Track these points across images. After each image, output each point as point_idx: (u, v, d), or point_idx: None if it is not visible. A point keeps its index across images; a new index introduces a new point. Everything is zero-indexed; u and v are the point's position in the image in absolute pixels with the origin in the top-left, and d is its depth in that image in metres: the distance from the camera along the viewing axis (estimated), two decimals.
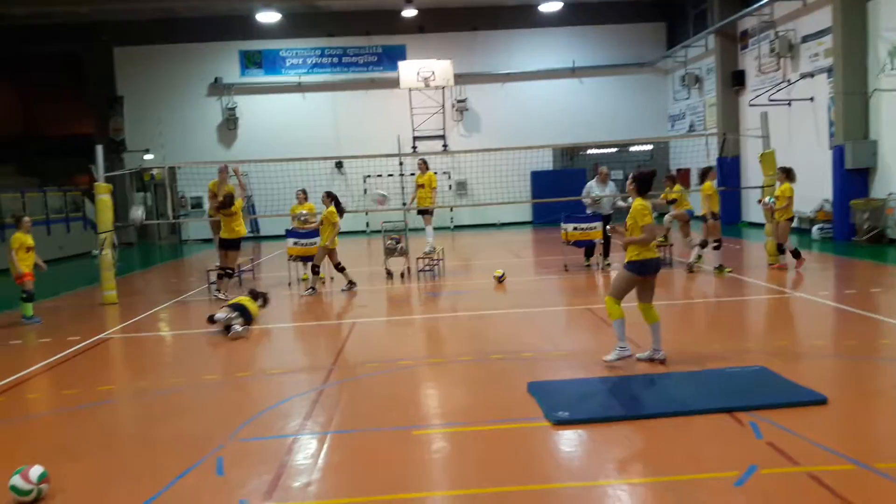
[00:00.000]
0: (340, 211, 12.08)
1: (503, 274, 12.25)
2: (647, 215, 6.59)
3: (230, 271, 12.26)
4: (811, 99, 17.51)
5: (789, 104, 18.19)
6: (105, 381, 7.62)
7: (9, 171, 26.02)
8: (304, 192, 14.09)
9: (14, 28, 24.84)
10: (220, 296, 11.69)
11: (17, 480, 4.35)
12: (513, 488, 4.34)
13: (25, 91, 31.30)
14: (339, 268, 12.23)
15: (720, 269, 12.07)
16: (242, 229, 12.04)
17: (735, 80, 21.28)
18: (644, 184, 6.78)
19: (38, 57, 28.28)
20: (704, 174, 12.44)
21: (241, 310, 9.21)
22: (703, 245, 12.38)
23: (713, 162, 20.57)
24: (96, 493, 4.56)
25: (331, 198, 12.17)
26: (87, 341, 9.22)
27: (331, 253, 12.07)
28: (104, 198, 12.33)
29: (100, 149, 12.83)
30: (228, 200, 11.83)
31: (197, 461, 4.90)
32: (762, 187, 13.01)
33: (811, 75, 17.38)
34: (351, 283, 12.13)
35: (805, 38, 17.70)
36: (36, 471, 4.40)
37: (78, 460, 5.11)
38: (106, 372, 8.16)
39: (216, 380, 7.23)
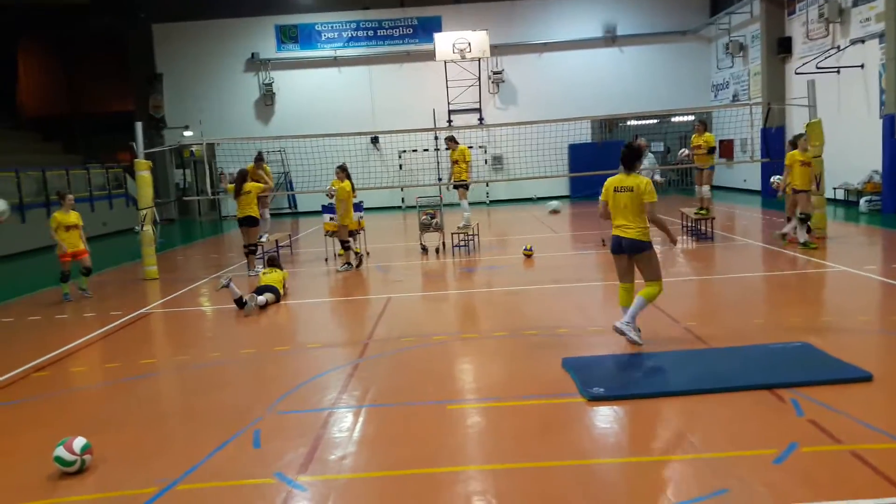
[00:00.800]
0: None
1: (532, 248, 12.16)
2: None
3: (253, 247, 12.44)
4: (861, 66, 16.87)
5: (838, 72, 17.56)
6: (146, 354, 7.78)
7: (55, 148, 26.61)
8: (341, 168, 14.06)
9: (57, 7, 25.25)
10: (251, 273, 11.88)
11: (61, 451, 4.47)
12: (548, 463, 4.32)
13: (69, 69, 31.91)
14: (345, 245, 12.16)
15: (805, 244, 11.42)
16: (254, 210, 12.18)
17: (781, 48, 20.60)
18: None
19: (80, 36, 28.77)
20: (794, 143, 11.89)
21: (272, 291, 9.42)
22: (804, 219, 11.58)
23: (757, 133, 20.03)
24: (137, 463, 4.66)
25: (345, 172, 12.15)
26: (129, 316, 9.42)
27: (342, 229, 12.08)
28: (144, 174, 12.52)
29: (139, 125, 13.00)
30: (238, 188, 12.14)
31: (234, 434, 4.97)
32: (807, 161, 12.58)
33: (862, 41, 16.73)
34: (347, 264, 12.04)
35: (856, 2, 17.02)
36: (79, 442, 4.51)
37: (120, 432, 5.24)
38: (147, 346, 8.34)
39: (254, 354, 7.33)
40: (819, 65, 17.74)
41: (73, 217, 10.75)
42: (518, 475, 4.20)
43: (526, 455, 4.45)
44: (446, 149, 14.86)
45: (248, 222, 12.16)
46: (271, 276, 9.86)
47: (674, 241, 6.85)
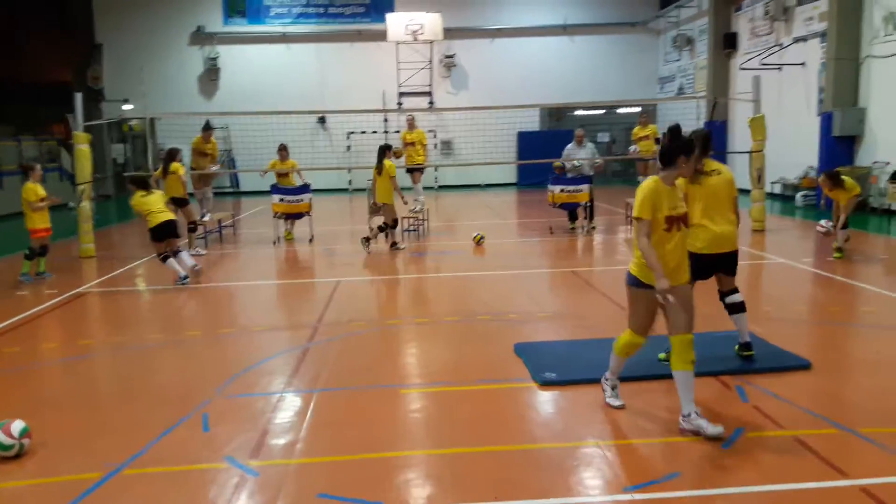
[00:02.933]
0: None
1: (482, 236, 12.18)
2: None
3: (192, 225, 12.21)
4: (802, 64, 17.40)
5: (780, 69, 18.07)
6: (85, 335, 7.51)
7: None
8: (285, 147, 13.78)
9: None
10: (193, 252, 11.66)
11: None
12: (500, 448, 4.34)
13: (2, 35, 30.33)
14: (383, 227, 11.93)
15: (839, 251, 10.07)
16: (179, 190, 11.91)
17: (727, 43, 21.07)
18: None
19: (15, 1, 27.36)
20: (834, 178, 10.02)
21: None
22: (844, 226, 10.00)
23: (702, 126, 20.50)
24: (80, 447, 4.49)
25: (391, 151, 12.16)
26: (65, 295, 9.07)
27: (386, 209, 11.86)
28: (83, 148, 12.05)
29: (79, 97, 12.46)
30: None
31: (182, 417, 4.85)
32: (750, 152, 12.96)
33: (804, 39, 17.25)
34: (395, 244, 11.89)
35: (801, 1, 17.51)
36: (18, 425, 4.32)
37: (59, 414, 5.05)
38: (86, 326, 8.05)
39: (199, 336, 7.14)
40: (763, 61, 18.22)
41: (42, 189, 10.04)
42: (471, 459, 4.21)
43: (479, 439, 4.46)
44: (409, 129, 14.75)
45: (177, 203, 11.79)
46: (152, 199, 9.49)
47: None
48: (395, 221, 11.97)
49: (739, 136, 19.20)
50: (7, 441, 4.27)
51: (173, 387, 5.58)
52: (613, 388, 4.88)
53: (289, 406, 5.09)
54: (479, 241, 12.08)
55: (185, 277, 9.37)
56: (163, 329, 7.45)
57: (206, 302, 8.83)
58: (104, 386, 5.89)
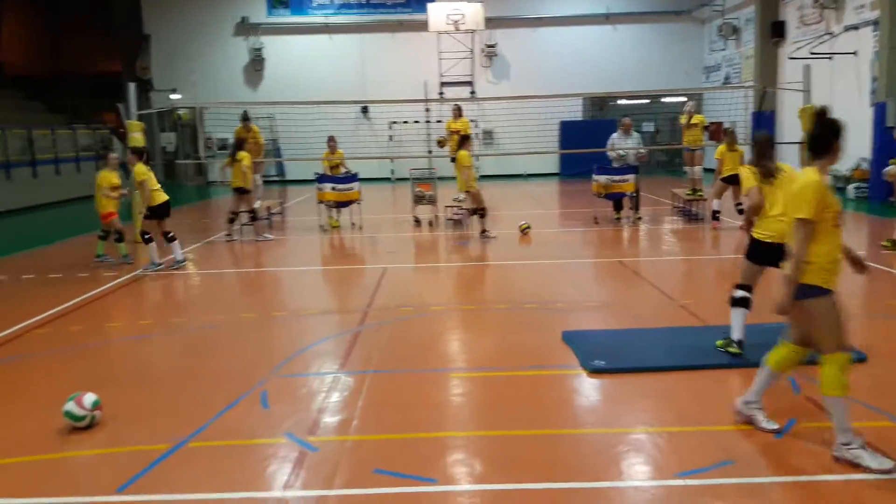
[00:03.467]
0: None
1: (528, 226, 12.23)
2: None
3: (252, 213, 12.51)
4: (854, 53, 16.97)
5: (831, 58, 17.65)
6: (145, 316, 7.79)
7: (38, 107, 26.11)
8: (333, 139, 14.03)
9: None
10: (260, 238, 12.13)
11: (71, 406, 4.49)
12: (549, 431, 4.42)
13: (54, 28, 31.19)
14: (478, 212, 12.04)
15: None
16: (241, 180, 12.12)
17: (774, 32, 20.65)
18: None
19: None
20: None
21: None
22: None
23: (749, 116, 20.18)
24: (147, 420, 4.70)
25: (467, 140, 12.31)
26: (124, 277, 9.38)
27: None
28: (137, 136, 12.36)
29: (132, 87, 12.82)
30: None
31: (241, 395, 5.02)
32: (799, 143, 12.74)
33: (855, 28, 16.82)
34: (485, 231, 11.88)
35: None
36: (90, 398, 4.53)
37: (126, 390, 5.27)
38: (145, 307, 8.34)
39: (254, 318, 7.34)
40: (812, 50, 17.83)
41: (116, 177, 10.42)
42: (521, 441, 4.30)
43: (528, 423, 4.54)
44: (454, 118, 14.87)
45: (238, 191, 12.09)
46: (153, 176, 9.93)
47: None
48: (484, 209, 11.95)
49: (788, 127, 18.84)
50: (80, 412, 4.49)
51: (232, 366, 5.77)
52: (760, 409, 4.33)
53: (343, 386, 5.23)
54: (524, 231, 12.12)
55: (159, 265, 9.67)
56: (219, 311, 7.67)
57: (258, 286, 9.05)
58: (166, 364, 6.11)
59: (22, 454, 4.23)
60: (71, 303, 8.00)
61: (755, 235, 5.39)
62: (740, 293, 5.62)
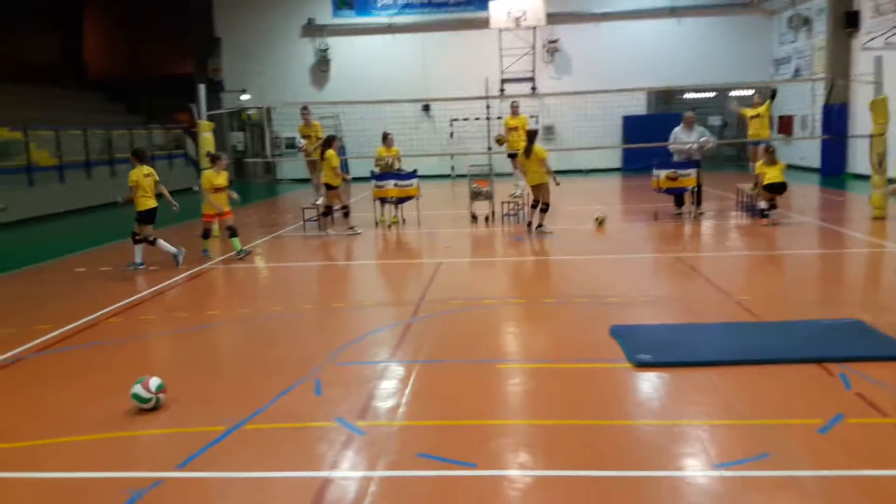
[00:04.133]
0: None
1: (604, 218, 12.34)
2: None
3: (328, 209, 12.91)
4: None
5: None
6: (212, 306, 8.17)
7: (118, 109, 27.41)
8: (390, 135, 14.33)
9: None
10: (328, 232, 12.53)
11: (138, 389, 4.81)
12: (593, 421, 4.49)
13: (133, 32, 32.63)
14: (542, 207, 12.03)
15: None
16: (329, 178, 12.46)
17: (848, 22, 19.88)
18: None
19: (140, 1, 29.36)
20: None
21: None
22: None
23: (819, 109, 19.53)
24: (207, 404, 5.00)
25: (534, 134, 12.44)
26: (193, 270, 9.84)
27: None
28: (207, 135, 12.90)
29: (202, 88, 13.36)
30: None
31: (297, 381, 5.27)
32: (870, 136, 12.30)
33: None
34: (541, 226, 11.89)
35: None
36: (155, 381, 4.85)
37: (189, 376, 5.58)
38: (212, 299, 8.74)
39: (312, 309, 7.63)
40: (888, 40, 17.12)
41: (223, 178, 10.63)
42: (563, 431, 4.39)
43: (571, 413, 4.63)
44: (512, 115, 15.01)
45: (327, 187, 12.53)
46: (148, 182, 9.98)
47: None
48: (548, 204, 11.99)
49: (861, 120, 18.12)
50: (146, 395, 4.81)
51: (289, 354, 6.04)
52: None
53: (393, 374, 5.42)
54: (601, 223, 12.23)
55: (141, 263, 9.91)
56: (280, 302, 7.98)
57: (320, 278, 9.36)
58: (228, 352, 6.44)
59: (94, 432, 4.56)
60: (143, 294, 8.46)
61: None
62: None
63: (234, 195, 10.80)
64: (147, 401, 4.81)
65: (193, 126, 15.47)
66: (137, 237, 9.99)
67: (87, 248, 12.14)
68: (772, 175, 11.87)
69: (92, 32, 30.36)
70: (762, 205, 12.15)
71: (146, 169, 10.12)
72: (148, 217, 10.00)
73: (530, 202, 12.30)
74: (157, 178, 10.24)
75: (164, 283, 9.01)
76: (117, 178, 20.56)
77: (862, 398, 4.64)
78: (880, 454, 3.89)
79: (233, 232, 10.64)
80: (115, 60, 31.73)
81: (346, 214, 12.84)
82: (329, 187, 12.48)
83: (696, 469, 3.85)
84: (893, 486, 3.60)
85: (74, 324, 7.15)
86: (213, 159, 10.80)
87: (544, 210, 11.94)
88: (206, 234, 11.02)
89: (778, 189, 11.96)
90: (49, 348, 6.46)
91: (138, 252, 9.97)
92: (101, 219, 17.27)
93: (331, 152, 12.39)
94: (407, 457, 4.09)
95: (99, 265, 10.50)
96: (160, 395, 4.85)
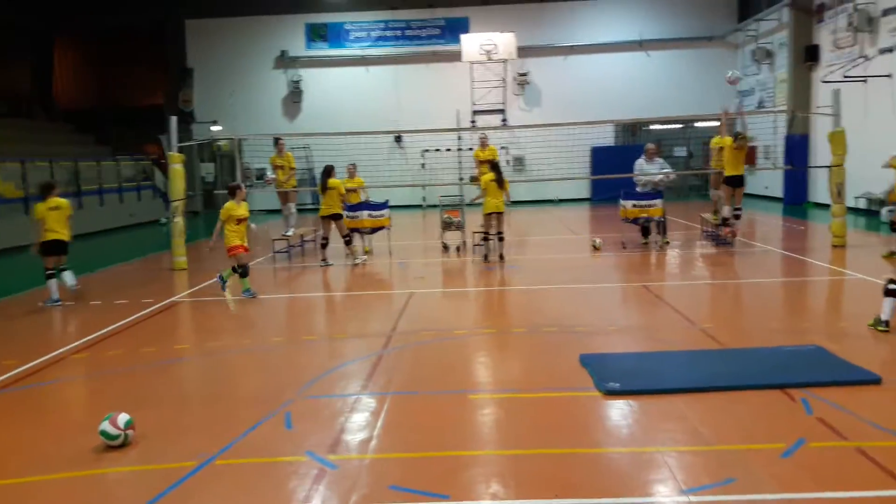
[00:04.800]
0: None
1: (600, 244, 13.01)
2: None
3: (347, 238, 12.76)
4: (889, 76, 16.84)
5: (865, 81, 17.54)
6: (180, 340, 8.11)
7: (87, 140, 27.18)
8: (353, 165, 14.46)
9: (93, 1, 25.77)
10: (357, 260, 12.55)
11: (106, 426, 4.75)
12: (562, 451, 4.54)
13: (103, 63, 32.48)
14: None
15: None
16: (338, 207, 12.52)
17: (808, 56, 20.58)
18: None
19: (114, 30, 29.31)
20: None
21: None
22: None
23: (781, 140, 20.07)
24: (176, 439, 4.95)
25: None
26: (161, 304, 9.75)
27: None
28: (177, 167, 12.86)
29: (174, 120, 13.37)
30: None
31: (267, 415, 5.25)
32: (829, 167, 12.69)
33: (890, 51, 16.71)
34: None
35: (886, 12, 16.97)
36: (123, 418, 4.79)
37: (158, 410, 5.52)
38: (180, 332, 8.67)
39: (282, 342, 7.61)
40: (846, 74, 17.73)
41: (244, 209, 10.19)
42: (534, 460, 4.43)
43: (543, 442, 4.67)
44: (482, 147, 15.26)
45: (334, 218, 12.47)
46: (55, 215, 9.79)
47: None
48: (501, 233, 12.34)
49: (822, 151, 18.67)
50: (113, 431, 4.75)
51: (259, 388, 6.01)
52: None
53: (364, 407, 5.42)
54: (598, 248, 12.86)
55: (57, 300, 9.76)
56: (249, 335, 7.96)
57: (289, 311, 9.34)
58: (197, 386, 6.39)
59: (61, 470, 4.50)
60: (109, 328, 8.36)
61: None
62: (893, 286, 6.74)
63: (254, 226, 10.40)
64: (115, 437, 4.75)
65: (162, 157, 15.45)
66: (49, 271, 9.87)
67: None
68: (735, 166, 12.13)
69: (62, 63, 30.17)
70: (725, 212, 12.40)
71: (53, 202, 9.87)
72: (48, 248, 9.81)
73: (480, 236, 12.55)
74: (70, 212, 10.05)
75: (131, 318, 8.91)
76: (84, 210, 20.37)
77: (822, 422, 4.75)
78: (841, 477, 3.99)
79: (245, 271, 10.00)
80: (84, 91, 31.52)
81: (348, 242, 12.77)
82: (338, 216, 12.49)
83: (664, 495, 3.91)
84: None
85: (40, 359, 7.04)
86: (233, 190, 10.35)
87: (501, 238, 12.25)
88: (244, 271, 9.98)
89: (738, 182, 12.22)
90: (15, 384, 6.36)
91: (53, 286, 9.81)
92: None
93: (336, 181, 12.44)
94: (379, 489, 4.09)
95: (65, 299, 10.36)
96: (128, 432, 4.79)
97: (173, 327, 8.85)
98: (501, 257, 12.17)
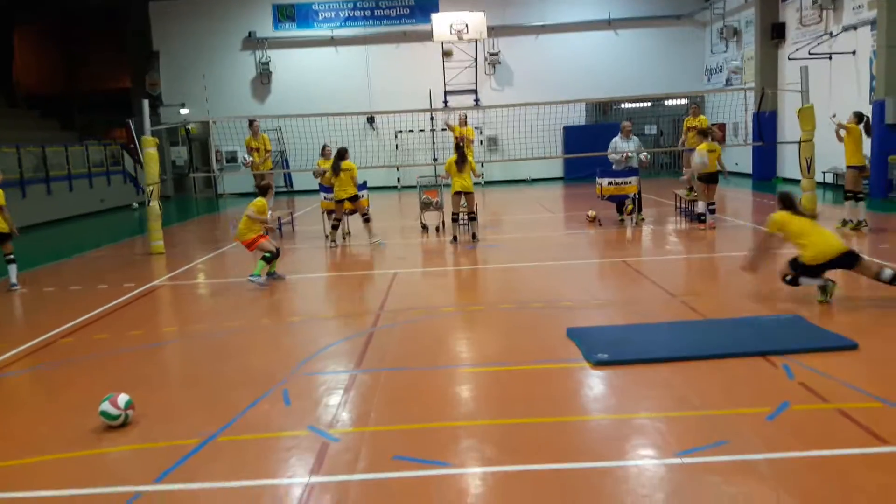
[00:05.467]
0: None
1: (595, 214, 13.63)
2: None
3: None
4: (853, 52, 17.22)
5: (830, 58, 17.91)
6: (167, 323, 8.10)
7: (52, 125, 26.61)
8: (325, 147, 14.40)
9: None
10: (373, 240, 12.43)
11: (106, 406, 4.78)
12: (556, 419, 4.68)
13: (66, 47, 31.76)
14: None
15: (857, 224, 11.85)
16: (354, 189, 12.40)
17: (775, 33, 20.92)
18: None
19: (77, 13, 28.63)
20: (860, 119, 12.12)
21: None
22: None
23: (750, 117, 20.42)
24: (176, 418, 5.00)
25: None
26: (142, 288, 9.71)
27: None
28: (151, 151, 12.71)
29: (146, 103, 13.19)
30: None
31: (264, 393, 5.31)
32: (799, 142, 12.98)
33: (854, 28, 17.08)
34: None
35: None
36: (123, 398, 4.83)
37: (155, 391, 5.56)
38: (166, 315, 8.65)
39: (271, 323, 7.65)
40: (812, 51, 18.08)
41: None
42: (529, 429, 4.57)
43: (536, 412, 4.81)
44: (462, 125, 15.33)
45: (352, 199, 12.40)
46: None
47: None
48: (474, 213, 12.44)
49: (790, 126, 19.07)
50: (114, 411, 4.78)
51: (253, 367, 6.06)
52: None
53: (359, 383, 5.51)
54: (594, 219, 13.47)
55: (15, 285, 9.87)
56: (236, 317, 7.96)
57: (274, 293, 9.34)
58: (190, 367, 6.41)
59: (62, 451, 4.52)
60: (92, 313, 8.32)
61: None
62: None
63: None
64: (116, 417, 4.79)
65: (131, 142, 15.23)
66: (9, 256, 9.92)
67: (25, 269, 11.78)
68: (711, 165, 12.42)
69: (22, 48, 29.43)
70: (700, 208, 12.70)
71: None
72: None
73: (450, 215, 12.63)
74: (3, 203, 9.83)
75: (114, 303, 8.86)
76: (53, 196, 20.03)
77: (804, 386, 4.96)
78: (825, 436, 4.20)
79: (277, 253, 9.74)
80: (47, 76, 30.82)
81: (336, 227, 12.75)
82: (355, 198, 12.42)
83: (658, 458, 4.07)
84: (839, 464, 3.89)
85: (27, 344, 7.01)
86: (264, 189, 10.19)
87: (474, 217, 12.38)
88: (277, 252, 9.71)
89: (712, 179, 12.50)
90: (5, 369, 6.33)
91: (14, 271, 9.92)
92: (34, 238, 16.76)
93: (349, 163, 12.35)
94: (384, 459, 4.20)
95: (43, 285, 10.25)
96: (129, 412, 4.83)
97: (158, 311, 8.82)
98: (474, 237, 12.28)
